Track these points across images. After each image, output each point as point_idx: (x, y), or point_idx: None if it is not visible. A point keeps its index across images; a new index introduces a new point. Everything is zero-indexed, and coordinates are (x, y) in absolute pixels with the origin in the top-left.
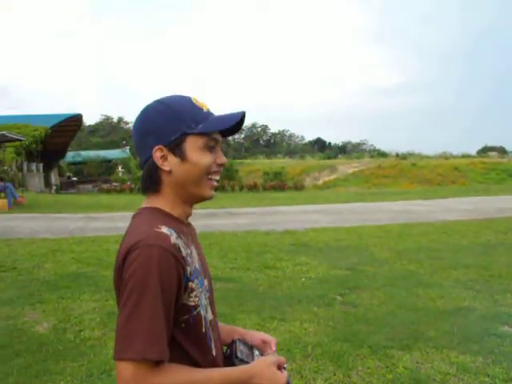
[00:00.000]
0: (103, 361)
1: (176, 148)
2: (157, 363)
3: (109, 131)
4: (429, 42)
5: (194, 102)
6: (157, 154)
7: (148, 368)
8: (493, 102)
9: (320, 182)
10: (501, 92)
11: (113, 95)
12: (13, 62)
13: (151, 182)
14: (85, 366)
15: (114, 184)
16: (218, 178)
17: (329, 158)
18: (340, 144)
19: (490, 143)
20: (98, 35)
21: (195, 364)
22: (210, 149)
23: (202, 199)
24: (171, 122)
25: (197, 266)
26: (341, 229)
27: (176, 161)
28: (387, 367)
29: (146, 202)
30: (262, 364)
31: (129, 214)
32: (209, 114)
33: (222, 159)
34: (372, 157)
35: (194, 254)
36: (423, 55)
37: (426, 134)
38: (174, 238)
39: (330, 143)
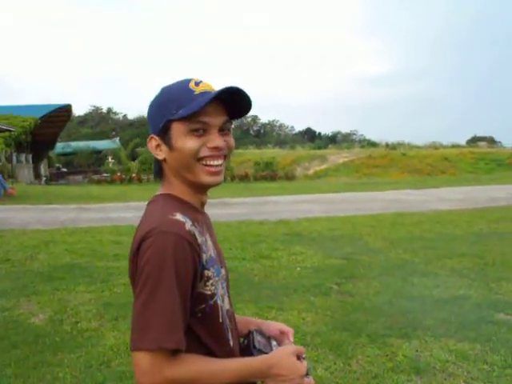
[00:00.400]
0: (101, 352)
1: (165, 136)
2: (173, 353)
3: (98, 122)
4: (418, 32)
5: (190, 85)
6: (151, 143)
7: (164, 357)
8: (482, 92)
9: (311, 171)
10: (490, 83)
11: (102, 86)
12: (4, 54)
13: (156, 169)
14: (83, 358)
15: (105, 175)
16: (216, 162)
17: (319, 148)
18: (330, 134)
19: (479, 133)
20: (87, 25)
21: (212, 355)
22: (197, 132)
23: (201, 186)
24: (159, 110)
25: (212, 255)
26: (334, 218)
27: (166, 149)
28: (387, 355)
29: (160, 188)
30: (280, 354)
31: (121, 205)
32: (200, 95)
33: (214, 143)
34: (362, 147)
35: (209, 242)
36: (412, 45)
37: (415, 123)
38: (188, 225)
39: (319, 133)
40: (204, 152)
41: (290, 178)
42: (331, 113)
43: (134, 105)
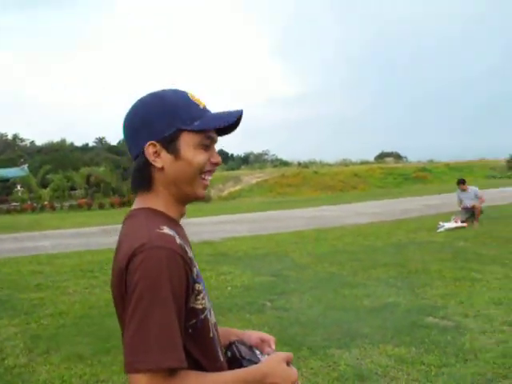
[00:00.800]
0: None
1: (170, 144)
2: (171, 371)
3: (3, 149)
4: (328, 54)
5: (190, 97)
6: (149, 149)
7: (163, 377)
8: (387, 110)
9: (225, 193)
10: (395, 102)
11: (5, 111)
12: None
13: (142, 179)
14: None
15: (14, 204)
16: (210, 177)
17: (232, 169)
18: (242, 155)
19: (386, 149)
20: None
21: (203, 371)
22: (205, 147)
23: (194, 199)
24: (165, 116)
25: (198, 268)
26: (257, 237)
27: (169, 158)
28: (330, 366)
29: (137, 202)
30: (272, 362)
31: (37, 234)
32: (205, 110)
33: (217, 158)
34: (275, 166)
35: (192, 255)
36: (321, 67)
37: (326, 142)
38: (178, 239)
39: (232, 154)
40: (208, 167)
41: (206, 199)
42: (243, 134)
43: (43, 130)
